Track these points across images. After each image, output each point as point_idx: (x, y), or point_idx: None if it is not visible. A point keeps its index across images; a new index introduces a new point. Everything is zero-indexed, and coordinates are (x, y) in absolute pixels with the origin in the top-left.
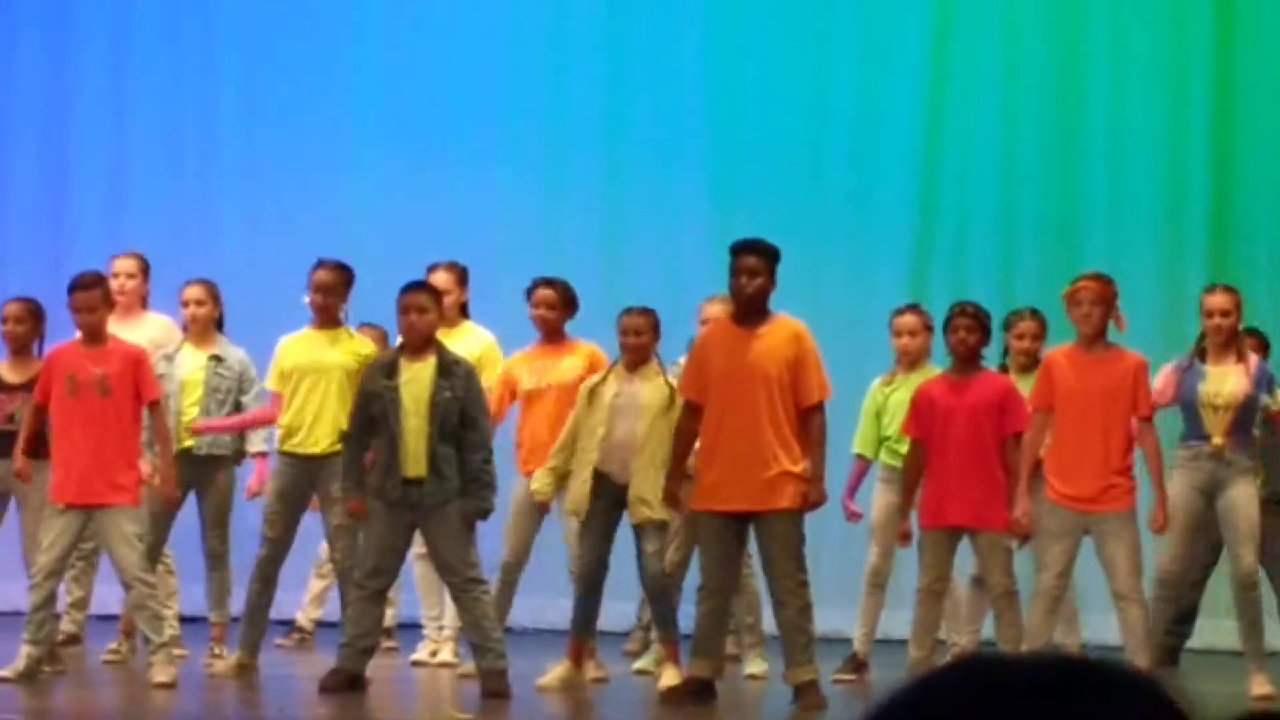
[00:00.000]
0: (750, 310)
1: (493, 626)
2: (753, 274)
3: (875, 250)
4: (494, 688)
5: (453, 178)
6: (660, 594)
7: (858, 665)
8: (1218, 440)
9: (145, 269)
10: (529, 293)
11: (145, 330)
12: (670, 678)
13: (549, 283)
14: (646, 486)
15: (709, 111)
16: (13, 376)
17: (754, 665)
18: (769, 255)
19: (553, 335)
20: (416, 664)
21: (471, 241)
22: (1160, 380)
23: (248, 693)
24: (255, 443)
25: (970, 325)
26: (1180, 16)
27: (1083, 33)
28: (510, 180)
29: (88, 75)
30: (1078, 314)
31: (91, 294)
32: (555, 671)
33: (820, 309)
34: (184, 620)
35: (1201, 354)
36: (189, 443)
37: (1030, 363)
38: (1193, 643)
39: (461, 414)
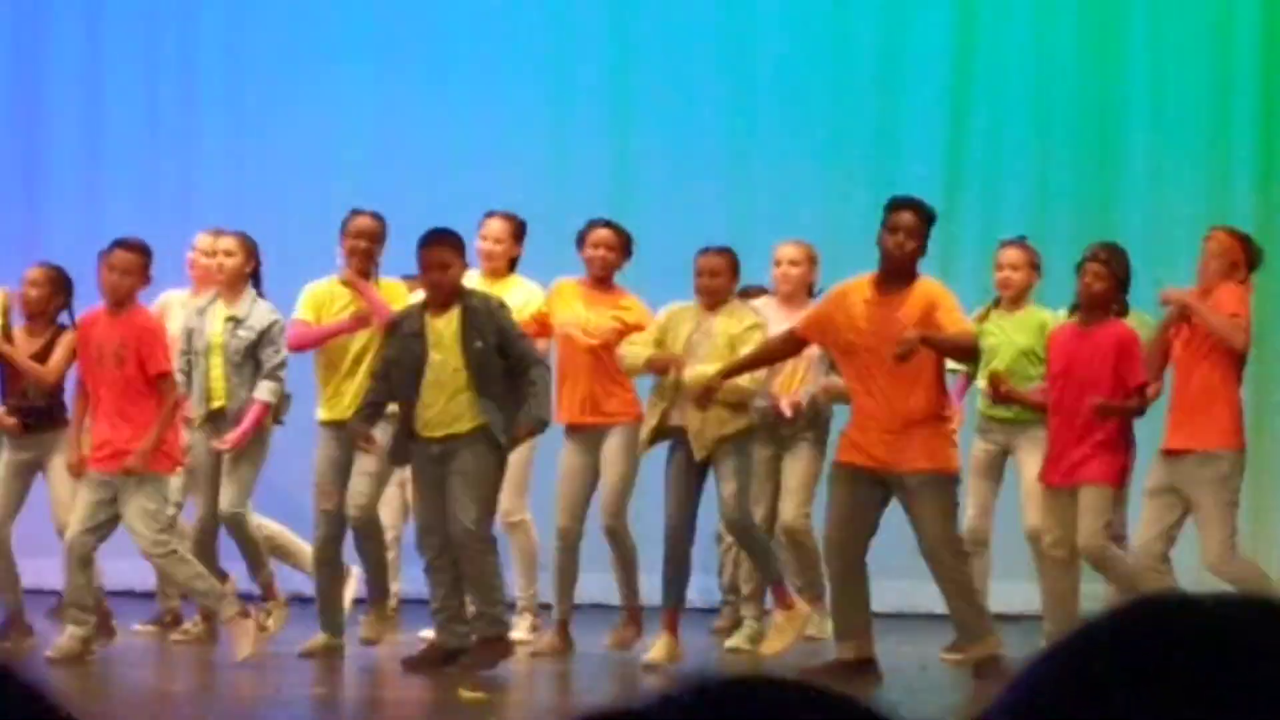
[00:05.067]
0: (899, 274)
1: (494, 588)
2: (910, 234)
3: (900, 188)
4: (484, 657)
5: (446, 114)
6: (744, 537)
7: None
8: None
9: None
10: (583, 234)
11: None
12: (780, 637)
13: (607, 224)
14: (713, 422)
15: (723, 40)
16: (28, 344)
17: (812, 627)
18: (927, 218)
19: (605, 280)
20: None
21: (474, 175)
22: None
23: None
24: (264, 390)
25: (1100, 272)
26: None
27: None
28: (515, 114)
29: (61, 15)
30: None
31: (131, 257)
32: (658, 646)
33: (843, 253)
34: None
35: None
36: (218, 404)
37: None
38: None
39: (500, 351)
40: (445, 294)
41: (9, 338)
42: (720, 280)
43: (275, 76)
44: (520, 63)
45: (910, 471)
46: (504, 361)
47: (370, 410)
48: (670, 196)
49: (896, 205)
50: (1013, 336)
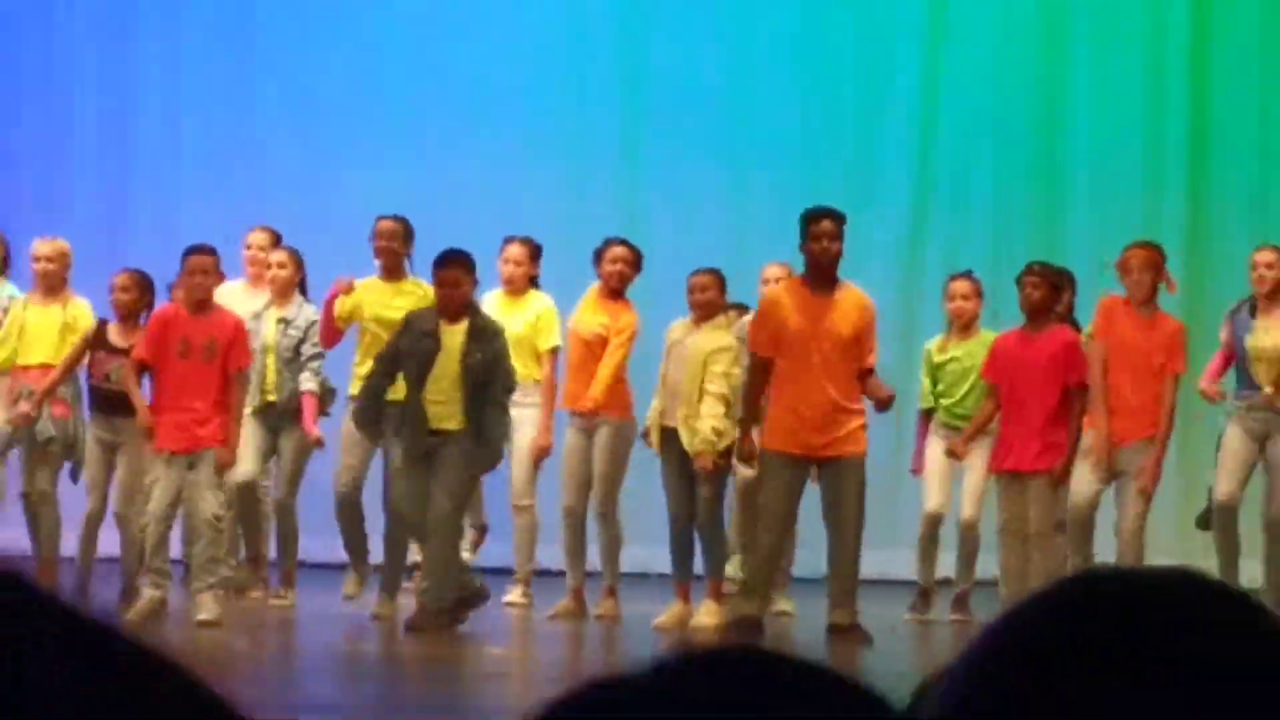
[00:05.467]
0: (829, 273)
1: (448, 569)
2: (833, 238)
3: (874, 218)
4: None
5: (478, 150)
6: (711, 535)
7: (929, 602)
8: (1269, 390)
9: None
10: (600, 251)
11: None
12: (710, 614)
13: (622, 242)
14: (687, 429)
15: (722, 87)
16: (120, 340)
17: (783, 603)
18: (843, 221)
19: (617, 292)
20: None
21: (493, 212)
22: (1222, 328)
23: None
24: (304, 381)
25: (1036, 282)
26: None
27: (1070, 5)
28: (535, 150)
29: (147, 69)
30: (1129, 281)
31: (208, 259)
32: (671, 612)
33: None
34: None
35: (1252, 309)
36: (271, 397)
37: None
38: None
39: (487, 372)
40: (456, 307)
41: (103, 336)
42: (710, 294)
43: (335, 116)
44: (540, 104)
45: (844, 455)
46: (488, 379)
47: (375, 403)
48: (673, 222)
49: (816, 215)
50: (978, 363)
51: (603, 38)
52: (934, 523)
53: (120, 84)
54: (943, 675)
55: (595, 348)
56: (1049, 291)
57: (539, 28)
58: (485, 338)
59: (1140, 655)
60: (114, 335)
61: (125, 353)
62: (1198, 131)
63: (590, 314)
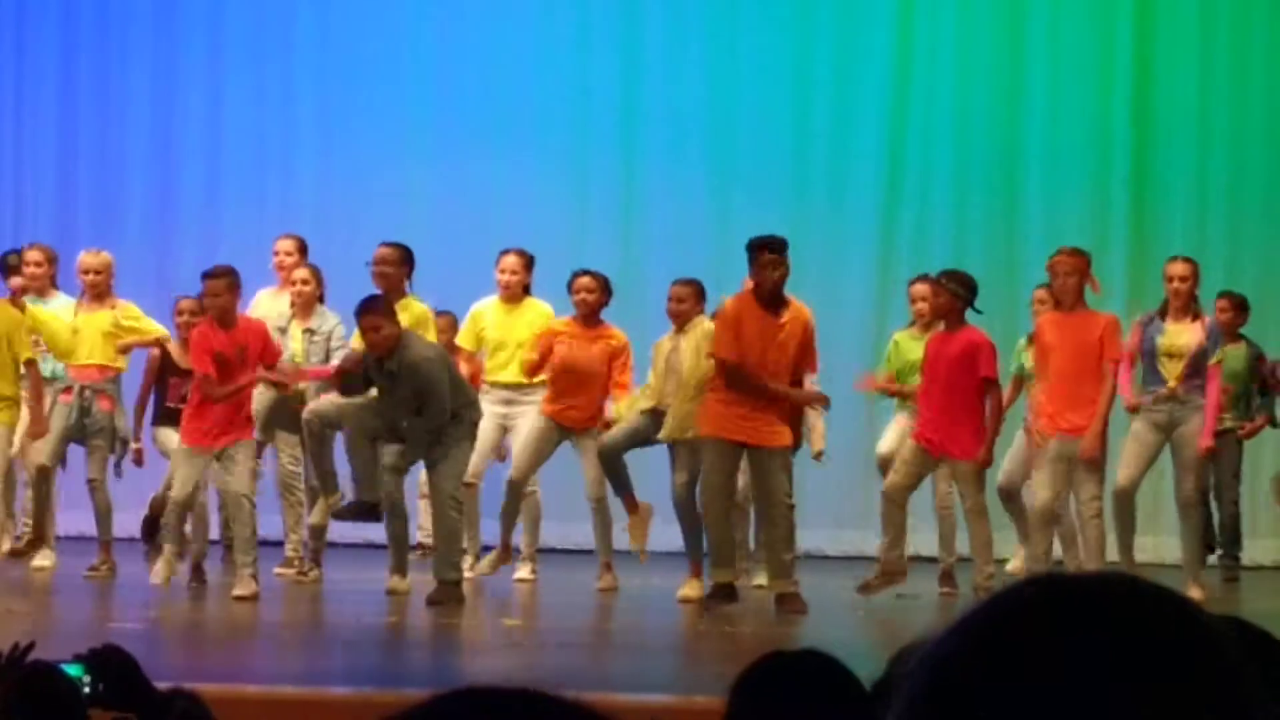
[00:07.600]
0: (779, 296)
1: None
2: (776, 266)
3: (848, 224)
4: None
5: (492, 172)
6: (687, 517)
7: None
8: (1172, 384)
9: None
10: (569, 283)
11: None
12: (692, 589)
13: (587, 272)
14: (685, 420)
15: (709, 113)
16: (187, 362)
17: (760, 578)
18: (783, 247)
19: (590, 318)
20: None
21: (506, 227)
22: (1130, 334)
23: (318, 603)
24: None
25: (936, 290)
26: (1108, 14)
27: (1025, 33)
28: (540, 175)
29: (188, 96)
30: (1056, 284)
31: (218, 283)
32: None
33: (802, 285)
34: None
35: (1163, 313)
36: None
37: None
38: (1142, 557)
39: (420, 398)
40: (380, 350)
41: (169, 361)
42: (685, 305)
43: (363, 141)
44: (547, 139)
45: (771, 445)
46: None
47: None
48: (666, 244)
49: (762, 245)
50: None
51: (604, 71)
52: (944, 507)
53: (168, 107)
54: (915, 646)
55: (583, 376)
56: (950, 297)
57: (546, 64)
58: (408, 372)
59: (1083, 654)
60: (180, 359)
61: (192, 373)
62: (1140, 145)
63: (578, 346)
